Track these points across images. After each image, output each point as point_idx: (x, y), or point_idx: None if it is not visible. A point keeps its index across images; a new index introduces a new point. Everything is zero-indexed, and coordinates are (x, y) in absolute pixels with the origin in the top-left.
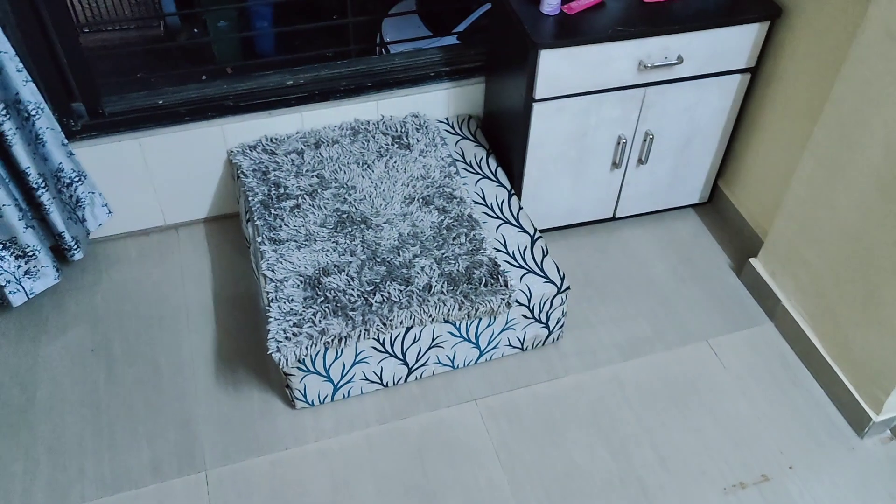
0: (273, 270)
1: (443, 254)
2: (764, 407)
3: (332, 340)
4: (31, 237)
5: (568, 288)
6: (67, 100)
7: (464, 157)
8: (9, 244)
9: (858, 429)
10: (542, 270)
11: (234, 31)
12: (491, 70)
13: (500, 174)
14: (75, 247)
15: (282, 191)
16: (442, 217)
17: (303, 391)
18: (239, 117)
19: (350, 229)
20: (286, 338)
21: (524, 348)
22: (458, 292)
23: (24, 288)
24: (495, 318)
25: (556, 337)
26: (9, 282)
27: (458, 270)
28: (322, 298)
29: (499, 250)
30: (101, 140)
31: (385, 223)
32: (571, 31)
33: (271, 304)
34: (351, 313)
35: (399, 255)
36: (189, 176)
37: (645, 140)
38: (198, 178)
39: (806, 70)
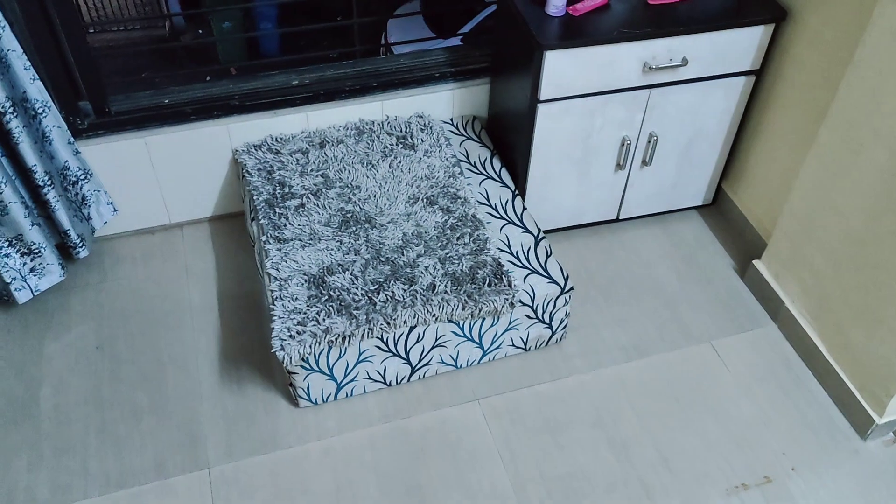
0: (277, 269)
1: (447, 253)
2: (767, 408)
3: (336, 339)
4: (36, 234)
5: (571, 288)
6: (74, 98)
7: (468, 158)
8: (15, 241)
9: (861, 431)
10: (545, 271)
11: (239, 31)
12: (496, 71)
13: (505, 175)
14: (80, 245)
15: (286, 190)
16: (446, 217)
17: (306, 390)
18: (244, 117)
19: (354, 229)
20: (290, 336)
21: (527, 349)
22: (461, 292)
23: (29, 285)
24: (499, 318)
25: (560, 337)
26: (14, 279)
27: (461, 270)
28: (326, 297)
29: (502, 250)
30: (107, 139)
31: (389, 223)
32: (577, 32)
33: (275, 302)
34: (355, 312)
35: (403, 255)
36: (194, 175)
37: (649, 141)
38: (203, 176)
39: (811, 72)
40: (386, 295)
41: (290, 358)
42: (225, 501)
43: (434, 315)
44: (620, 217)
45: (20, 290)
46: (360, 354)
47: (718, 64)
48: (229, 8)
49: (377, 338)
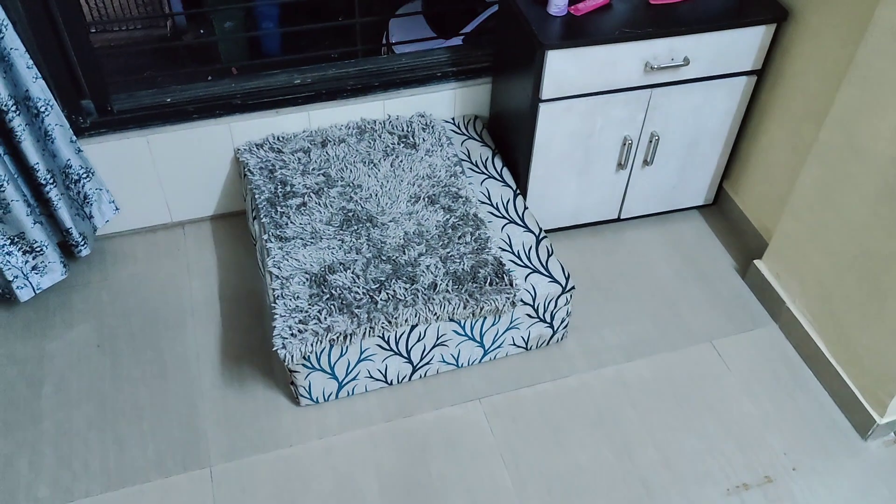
0: (279, 268)
1: (448, 252)
2: (768, 408)
3: (338, 338)
4: (38, 233)
5: (573, 288)
6: (77, 97)
7: (469, 157)
8: (17, 239)
9: (862, 431)
10: (546, 270)
11: (241, 31)
12: (497, 70)
13: (506, 174)
14: (82, 243)
15: (288, 189)
16: (447, 216)
17: (307, 388)
18: (246, 116)
19: (356, 227)
20: (291, 334)
21: (528, 348)
22: (463, 291)
23: (31, 283)
24: (500, 317)
25: (561, 337)
26: (16, 277)
27: (463, 269)
28: (328, 296)
29: (504, 250)
30: (110, 137)
31: (391, 222)
32: (578, 32)
33: (277, 301)
34: (356, 311)
35: (404, 254)
36: (196, 173)
37: (651, 141)
38: (205, 175)
39: (812, 72)
40: (387, 294)
41: (292, 356)
42: (226, 500)
43: (435, 314)
44: (622, 217)
45: (22, 288)
46: (361, 353)
47: (720, 64)
48: (231, 7)
49: (378, 336)
